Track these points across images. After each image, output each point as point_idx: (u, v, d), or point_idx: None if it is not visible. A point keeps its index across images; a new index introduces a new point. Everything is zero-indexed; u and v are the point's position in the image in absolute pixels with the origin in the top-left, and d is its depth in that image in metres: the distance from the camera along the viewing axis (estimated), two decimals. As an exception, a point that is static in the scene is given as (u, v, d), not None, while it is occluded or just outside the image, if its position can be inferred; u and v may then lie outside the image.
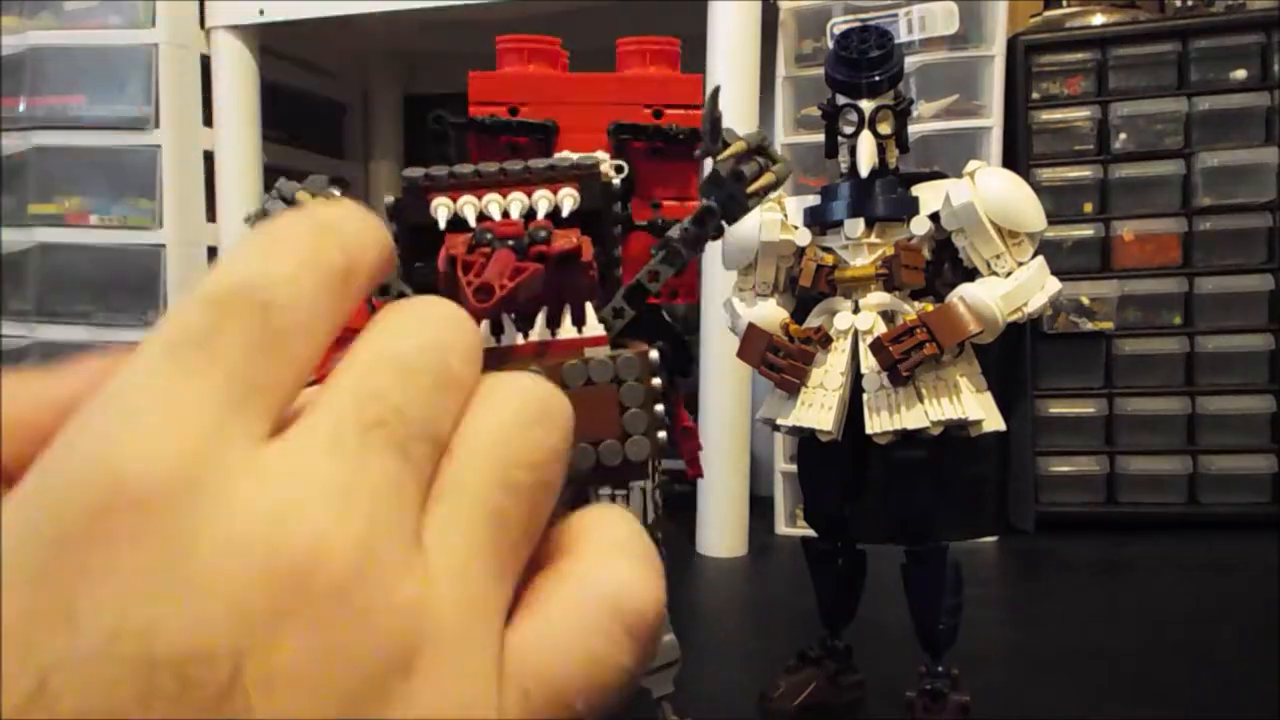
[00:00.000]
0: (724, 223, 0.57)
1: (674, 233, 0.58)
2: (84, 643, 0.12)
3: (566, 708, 0.15)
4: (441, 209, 0.55)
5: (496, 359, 0.53)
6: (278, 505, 0.13)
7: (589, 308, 0.55)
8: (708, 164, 0.57)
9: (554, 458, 0.17)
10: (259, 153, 1.44)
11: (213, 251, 1.45)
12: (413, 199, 0.56)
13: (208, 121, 1.43)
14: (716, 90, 0.59)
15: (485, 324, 0.54)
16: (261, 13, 1.38)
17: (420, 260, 0.56)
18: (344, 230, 0.16)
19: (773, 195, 0.67)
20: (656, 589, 0.16)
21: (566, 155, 0.59)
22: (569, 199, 0.55)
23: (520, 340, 0.53)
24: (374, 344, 0.16)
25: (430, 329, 0.16)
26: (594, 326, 0.54)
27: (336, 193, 0.56)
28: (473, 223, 0.53)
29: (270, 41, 1.45)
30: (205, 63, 1.42)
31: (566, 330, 0.54)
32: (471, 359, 0.17)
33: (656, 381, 0.54)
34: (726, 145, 0.55)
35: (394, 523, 0.14)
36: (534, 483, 0.16)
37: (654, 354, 0.54)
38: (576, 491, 0.58)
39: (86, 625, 0.12)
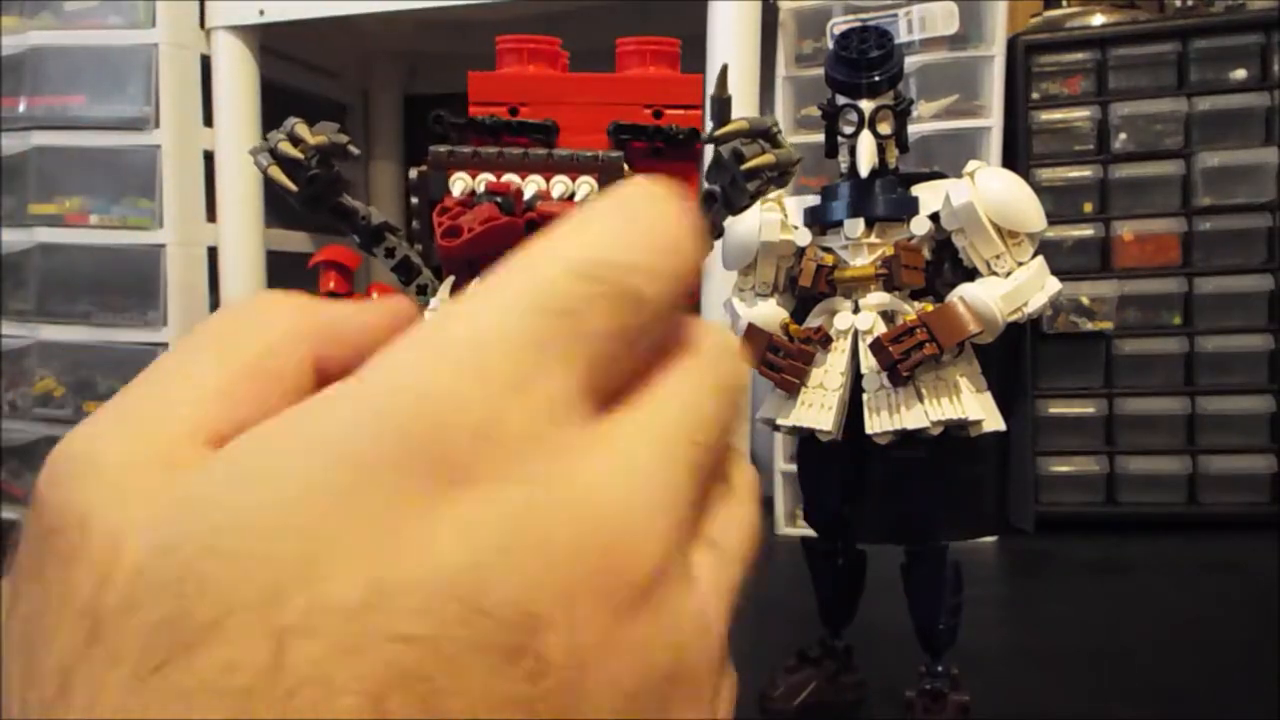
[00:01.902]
0: (727, 211, 0.56)
1: None
2: (411, 567, 0.12)
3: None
4: (459, 183, 0.55)
5: None
6: (611, 487, 0.13)
7: None
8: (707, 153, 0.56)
9: None
10: (259, 153, 1.44)
11: (213, 251, 1.45)
12: (436, 174, 0.57)
13: (208, 121, 1.43)
14: (724, 69, 0.57)
15: (447, 284, 0.54)
16: (261, 13, 1.38)
17: None
18: (692, 238, 0.16)
19: (776, 191, 0.67)
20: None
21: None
22: (585, 186, 0.55)
23: None
24: (708, 372, 0.16)
25: (740, 367, 0.17)
26: None
27: (344, 139, 0.58)
28: None
29: (270, 41, 1.45)
30: (205, 63, 1.42)
31: None
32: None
33: None
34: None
35: (686, 545, 0.15)
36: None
37: None
38: None
39: (411, 550, 0.12)
